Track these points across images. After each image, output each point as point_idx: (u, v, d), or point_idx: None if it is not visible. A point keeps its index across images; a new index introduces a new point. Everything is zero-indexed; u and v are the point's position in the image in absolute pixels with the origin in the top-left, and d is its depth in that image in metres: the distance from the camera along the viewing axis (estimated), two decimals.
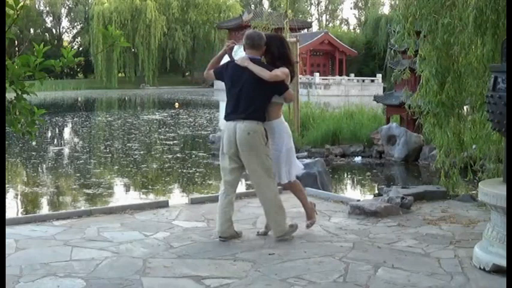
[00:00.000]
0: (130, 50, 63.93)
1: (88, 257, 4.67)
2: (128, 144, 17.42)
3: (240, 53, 5.53)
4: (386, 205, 6.16)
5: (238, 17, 58.89)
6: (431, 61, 6.62)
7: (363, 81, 47.88)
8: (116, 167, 13.72)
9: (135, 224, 5.75)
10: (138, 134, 20.81)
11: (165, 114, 29.42)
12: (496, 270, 4.20)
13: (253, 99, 5.13)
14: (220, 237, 5.16)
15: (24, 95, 2.89)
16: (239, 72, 5.19)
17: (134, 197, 9.99)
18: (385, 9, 72.39)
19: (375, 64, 54.02)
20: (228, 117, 5.22)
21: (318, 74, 46.49)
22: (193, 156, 15.18)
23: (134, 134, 20.73)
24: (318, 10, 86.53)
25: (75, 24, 76.82)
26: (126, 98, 47.21)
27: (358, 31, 72.99)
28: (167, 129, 22.28)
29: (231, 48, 5.54)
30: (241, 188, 10.99)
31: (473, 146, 7.19)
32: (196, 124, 23.88)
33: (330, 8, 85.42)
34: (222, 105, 37.35)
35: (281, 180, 5.33)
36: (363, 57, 56.60)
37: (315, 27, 72.27)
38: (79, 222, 5.80)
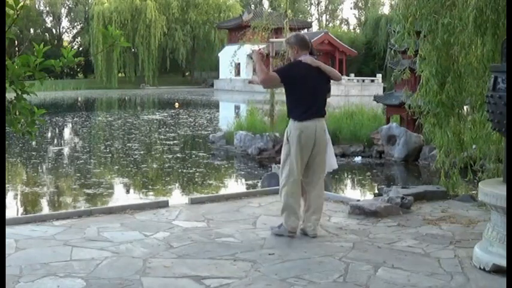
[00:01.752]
0: (131, 50, 63.89)
1: (88, 257, 4.67)
2: (128, 144, 17.42)
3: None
4: (386, 205, 6.16)
5: (238, 17, 58.85)
6: (431, 61, 6.62)
7: (363, 81, 47.90)
8: (116, 167, 13.72)
9: (135, 224, 5.75)
10: (138, 134, 20.81)
11: (165, 114, 29.41)
12: (496, 270, 4.20)
13: (323, 97, 5.43)
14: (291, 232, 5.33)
15: (24, 95, 2.89)
16: (311, 72, 5.34)
17: (134, 197, 9.99)
18: (385, 9, 72.42)
19: (375, 64, 54.02)
20: (305, 117, 5.27)
21: None
22: (194, 156, 15.18)
23: (134, 134, 20.72)
24: (318, 10, 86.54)
25: (75, 24, 76.81)
26: (126, 98, 47.18)
27: (358, 31, 72.96)
28: (167, 129, 22.28)
29: (263, 56, 5.69)
30: (241, 187, 11.00)
31: (473, 146, 7.20)
32: (196, 124, 23.88)
33: (330, 8, 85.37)
34: (222, 105, 37.29)
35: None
36: (363, 57, 56.58)
37: (315, 27, 72.25)
38: (79, 222, 5.80)
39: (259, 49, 5.62)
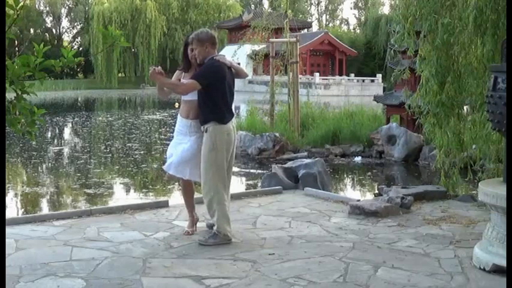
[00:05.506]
0: (131, 50, 63.90)
1: (88, 257, 4.67)
2: (128, 144, 17.42)
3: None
4: (386, 205, 6.16)
5: (238, 17, 58.87)
6: (431, 61, 6.62)
7: (363, 81, 47.88)
8: (116, 167, 13.72)
9: (135, 224, 5.75)
10: (139, 134, 20.81)
11: (166, 114, 29.40)
12: (496, 270, 4.20)
13: (233, 97, 5.33)
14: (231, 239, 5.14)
15: (24, 95, 2.90)
16: (227, 72, 5.20)
17: (134, 197, 9.98)
18: (385, 9, 72.41)
19: (375, 64, 54.02)
20: (228, 119, 5.16)
21: (318, 74, 46.55)
22: None
23: (134, 134, 20.72)
24: (318, 10, 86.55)
25: (75, 24, 76.83)
26: (126, 98, 47.19)
27: (358, 31, 72.98)
28: (168, 129, 22.27)
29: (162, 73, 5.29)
30: (241, 187, 10.99)
31: (473, 146, 7.20)
32: None
33: (330, 8, 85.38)
34: None
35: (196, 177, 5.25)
36: (363, 57, 56.58)
37: (315, 27, 72.26)
38: (79, 222, 5.80)
39: (154, 67, 5.15)
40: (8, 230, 5.01)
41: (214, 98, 5.05)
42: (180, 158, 5.19)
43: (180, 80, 5.31)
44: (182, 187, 5.52)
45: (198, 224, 5.74)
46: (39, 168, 13.72)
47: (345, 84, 46.05)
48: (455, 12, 6.35)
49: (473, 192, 7.46)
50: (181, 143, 5.27)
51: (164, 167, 5.42)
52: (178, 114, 5.40)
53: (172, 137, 5.53)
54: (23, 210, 9.18)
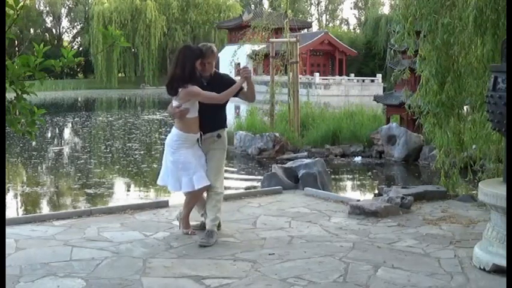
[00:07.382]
0: (131, 50, 63.91)
1: (88, 257, 4.67)
2: (128, 144, 17.43)
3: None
4: (386, 205, 6.16)
5: (238, 17, 58.83)
6: (431, 61, 6.62)
7: (363, 81, 47.83)
8: (117, 166, 13.72)
9: (135, 224, 5.75)
10: (139, 133, 20.82)
11: (166, 114, 29.39)
12: (496, 270, 4.20)
13: None
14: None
15: (24, 95, 2.90)
16: None
17: (134, 197, 9.99)
18: (385, 9, 72.41)
19: (375, 64, 53.97)
20: None
21: (318, 74, 46.52)
22: None
23: (135, 134, 20.73)
24: (318, 10, 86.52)
25: (75, 24, 76.86)
26: (126, 98, 47.19)
27: (358, 31, 72.94)
28: (168, 129, 22.24)
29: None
30: (242, 187, 10.99)
31: (473, 146, 7.20)
32: None
33: (330, 8, 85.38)
34: None
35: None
36: (363, 57, 56.54)
37: (315, 27, 72.23)
38: (79, 222, 5.80)
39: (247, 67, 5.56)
40: (8, 230, 5.01)
41: (224, 106, 5.50)
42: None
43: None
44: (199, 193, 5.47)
45: (195, 224, 5.75)
46: (39, 168, 13.72)
47: (345, 84, 45.99)
48: (455, 12, 6.35)
49: (473, 192, 7.45)
50: (198, 153, 5.29)
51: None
52: (185, 133, 5.23)
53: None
54: (23, 210, 9.18)
